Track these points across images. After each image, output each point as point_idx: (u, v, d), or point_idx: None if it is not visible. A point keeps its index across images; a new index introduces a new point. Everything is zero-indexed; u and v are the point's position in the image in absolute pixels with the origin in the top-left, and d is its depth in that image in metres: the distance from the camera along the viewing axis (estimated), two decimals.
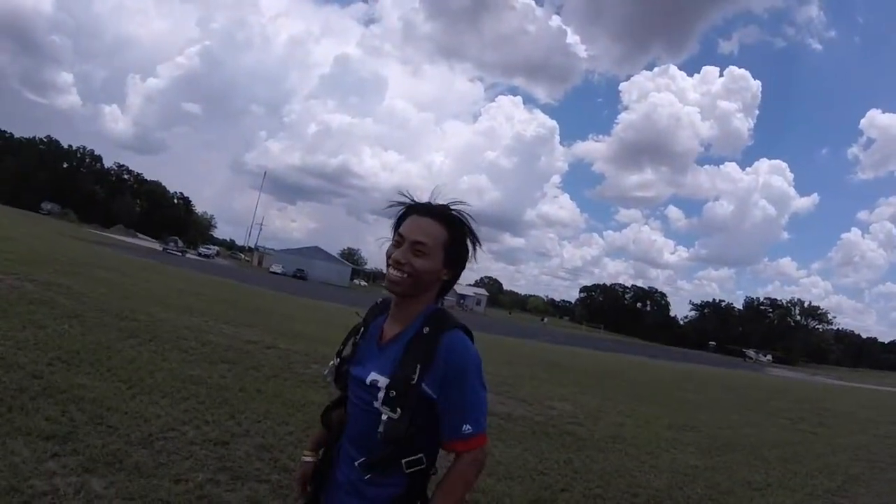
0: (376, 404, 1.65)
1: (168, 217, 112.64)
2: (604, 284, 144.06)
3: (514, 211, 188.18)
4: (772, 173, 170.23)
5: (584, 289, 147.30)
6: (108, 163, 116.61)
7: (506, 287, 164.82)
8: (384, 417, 1.62)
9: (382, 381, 1.67)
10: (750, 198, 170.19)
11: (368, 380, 1.71)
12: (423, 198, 1.82)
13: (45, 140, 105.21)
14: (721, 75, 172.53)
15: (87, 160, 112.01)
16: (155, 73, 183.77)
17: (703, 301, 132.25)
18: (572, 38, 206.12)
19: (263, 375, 7.32)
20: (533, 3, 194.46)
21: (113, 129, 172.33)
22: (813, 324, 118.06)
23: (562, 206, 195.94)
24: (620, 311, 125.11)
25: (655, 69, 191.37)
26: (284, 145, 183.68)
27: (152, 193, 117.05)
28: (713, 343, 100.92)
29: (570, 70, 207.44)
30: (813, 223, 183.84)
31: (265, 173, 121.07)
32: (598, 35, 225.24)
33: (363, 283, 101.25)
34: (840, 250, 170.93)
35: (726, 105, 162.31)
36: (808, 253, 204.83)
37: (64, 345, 6.37)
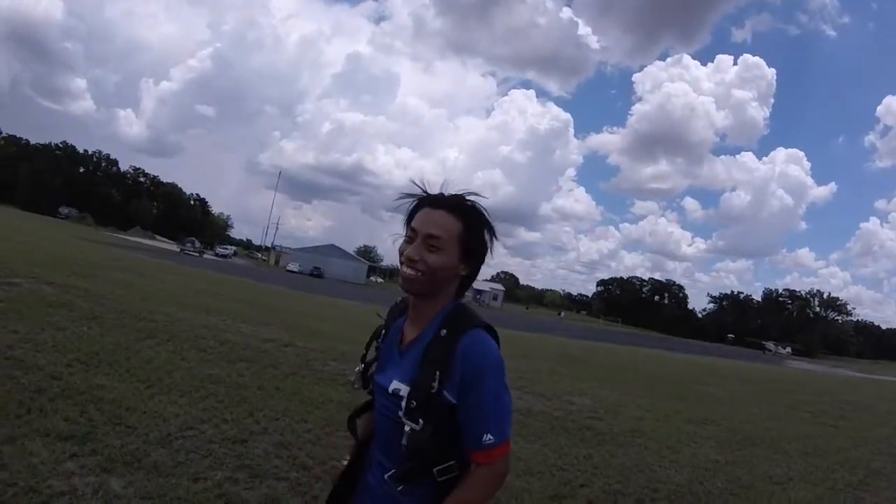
0: (400, 414, 1.57)
1: (185, 218, 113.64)
2: (621, 278, 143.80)
3: (530, 205, 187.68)
4: (788, 162, 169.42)
5: (600, 282, 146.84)
6: (123, 166, 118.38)
7: (522, 282, 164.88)
8: (407, 429, 1.54)
9: (404, 390, 1.59)
10: (767, 188, 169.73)
11: (391, 388, 1.63)
12: (434, 190, 1.72)
13: (60, 146, 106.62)
14: (735, 64, 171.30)
15: (103, 164, 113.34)
16: (168, 76, 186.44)
17: (721, 293, 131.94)
18: (584, 29, 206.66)
19: (281, 373, 7.32)
20: None
21: (128, 133, 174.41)
22: (832, 315, 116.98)
23: (577, 200, 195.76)
24: (638, 305, 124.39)
25: (668, 59, 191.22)
26: (298, 145, 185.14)
27: (169, 195, 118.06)
28: (731, 336, 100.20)
29: (583, 62, 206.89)
30: (831, 213, 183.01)
31: (280, 173, 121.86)
32: (610, 26, 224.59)
33: (380, 280, 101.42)
34: (859, 240, 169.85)
35: (741, 94, 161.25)
36: (826, 243, 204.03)
37: (83, 346, 6.40)
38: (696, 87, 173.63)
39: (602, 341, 33.19)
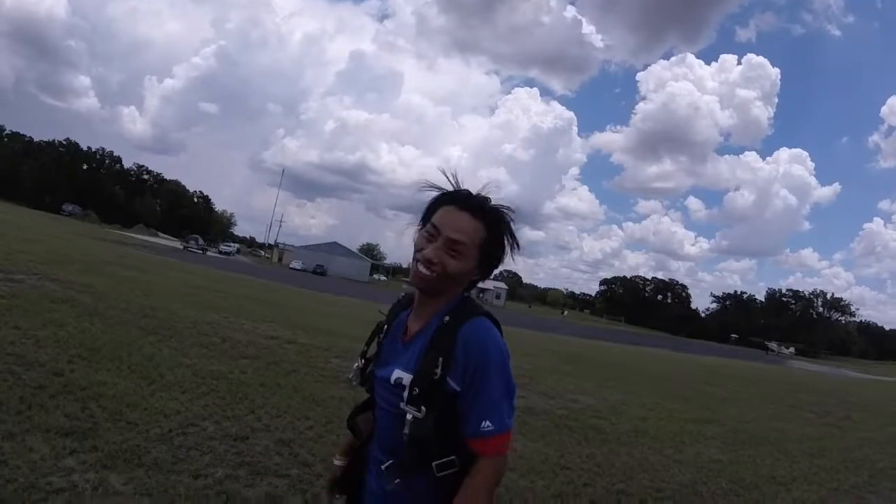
0: (402, 405, 1.54)
1: (188, 216, 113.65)
2: (624, 277, 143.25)
3: (533, 204, 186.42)
4: (792, 162, 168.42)
5: (604, 281, 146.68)
6: (127, 163, 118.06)
7: (525, 280, 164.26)
8: (409, 417, 1.52)
9: (407, 379, 1.57)
10: (771, 188, 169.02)
11: (393, 378, 1.61)
12: (455, 185, 1.68)
13: (64, 143, 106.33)
14: (739, 63, 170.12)
15: (107, 161, 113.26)
16: (171, 73, 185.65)
17: (724, 293, 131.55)
18: (587, 28, 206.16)
19: (283, 370, 7.31)
20: None
21: (131, 131, 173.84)
22: (836, 316, 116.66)
23: (581, 199, 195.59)
24: (641, 304, 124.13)
25: (672, 58, 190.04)
26: (302, 143, 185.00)
27: (172, 193, 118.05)
28: (735, 335, 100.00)
29: (587, 61, 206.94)
30: (834, 213, 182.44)
31: (283, 171, 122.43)
32: (614, 25, 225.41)
33: (382, 277, 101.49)
34: (862, 240, 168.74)
35: (745, 93, 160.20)
36: (829, 243, 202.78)
37: (85, 342, 6.39)
38: (700, 86, 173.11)
39: (605, 340, 33.23)
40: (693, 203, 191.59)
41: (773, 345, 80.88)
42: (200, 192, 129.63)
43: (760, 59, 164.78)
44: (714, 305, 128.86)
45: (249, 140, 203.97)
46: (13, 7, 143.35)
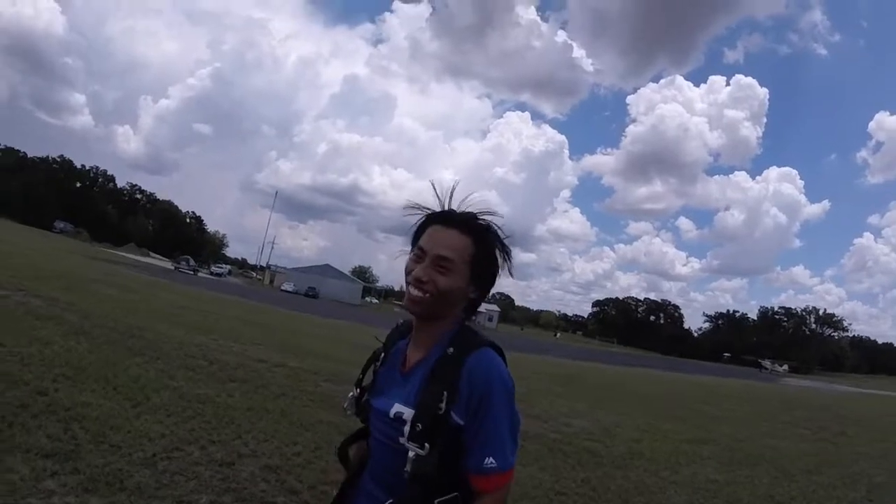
0: (402, 440, 1.46)
1: (181, 236, 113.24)
2: (616, 298, 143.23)
3: (525, 226, 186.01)
4: (781, 181, 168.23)
5: (596, 303, 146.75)
6: (120, 182, 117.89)
7: (517, 303, 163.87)
8: (411, 454, 1.43)
9: (408, 414, 1.48)
10: (760, 206, 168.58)
11: (392, 412, 1.52)
12: (445, 198, 1.61)
13: (58, 160, 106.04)
14: (728, 84, 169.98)
15: (100, 180, 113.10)
16: (166, 94, 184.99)
17: (716, 312, 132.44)
18: (578, 52, 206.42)
19: (272, 394, 7.19)
20: (538, 19, 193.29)
21: (125, 150, 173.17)
22: (828, 331, 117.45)
23: (572, 221, 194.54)
24: (634, 325, 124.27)
25: (662, 81, 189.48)
26: (295, 165, 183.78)
27: (165, 213, 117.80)
28: (727, 354, 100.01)
29: (577, 84, 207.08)
30: (824, 229, 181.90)
31: (276, 193, 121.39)
32: (604, 49, 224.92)
33: (375, 300, 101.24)
34: (853, 256, 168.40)
35: (734, 114, 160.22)
36: (820, 260, 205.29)
37: (70, 361, 6.29)
38: (690, 107, 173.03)
39: (598, 362, 33.15)
40: (684, 223, 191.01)
41: (766, 362, 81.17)
42: (193, 212, 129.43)
43: (749, 79, 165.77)
44: (707, 325, 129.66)
45: (243, 161, 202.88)
46: (10, 22, 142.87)
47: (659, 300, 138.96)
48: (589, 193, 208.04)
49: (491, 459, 1.43)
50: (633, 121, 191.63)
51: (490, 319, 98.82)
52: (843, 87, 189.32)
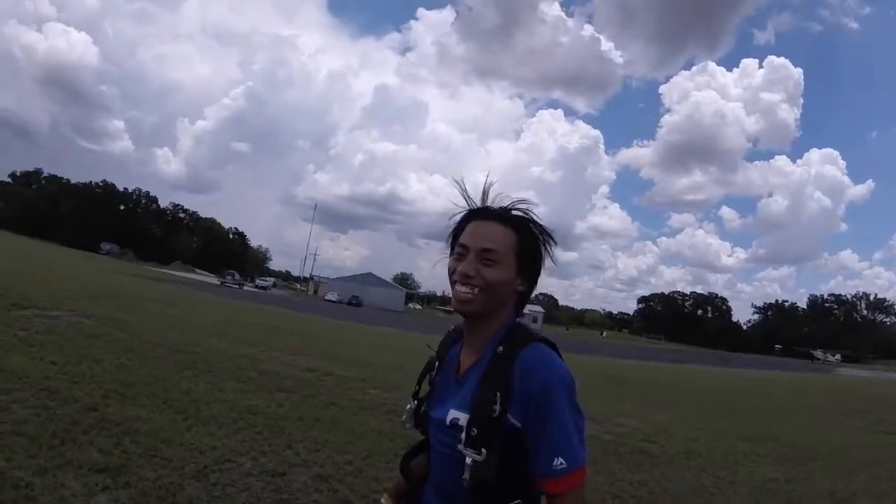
0: (460, 447, 1.38)
1: (224, 252, 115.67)
2: (661, 293, 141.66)
3: (564, 225, 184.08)
4: (823, 163, 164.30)
5: (641, 299, 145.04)
6: (163, 203, 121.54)
7: (561, 303, 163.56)
8: (468, 461, 1.36)
9: (463, 419, 1.41)
10: (804, 191, 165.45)
11: (449, 419, 1.46)
12: (477, 197, 1.59)
13: (101, 184, 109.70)
14: (761, 67, 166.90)
15: (143, 201, 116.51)
16: (203, 115, 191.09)
17: (765, 303, 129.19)
18: (606, 45, 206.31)
19: (321, 403, 7.16)
20: (563, 15, 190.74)
21: (166, 171, 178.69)
22: (880, 317, 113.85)
23: (612, 216, 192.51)
24: (681, 320, 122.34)
25: (693, 68, 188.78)
26: (332, 177, 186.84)
27: (208, 230, 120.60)
28: (779, 346, 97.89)
29: (608, 77, 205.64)
30: (870, 211, 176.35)
31: (315, 205, 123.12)
32: (632, 40, 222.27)
33: (418, 306, 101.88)
34: None
35: (769, 97, 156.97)
36: (868, 243, 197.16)
37: (120, 377, 6.34)
38: (724, 93, 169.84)
39: (646, 359, 32.72)
40: (726, 213, 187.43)
41: (818, 353, 79.17)
42: (235, 228, 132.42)
43: (782, 60, 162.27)
44: (756, 316, 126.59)
45: (281, 176, 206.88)
46: (45, 56, 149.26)
47: (706, 293, 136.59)
48: (627, 188, 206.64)
49: (560, 460, 1.34)
50: (668, 111, 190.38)
51: (535, 320, 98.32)
52: (878, 60, 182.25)
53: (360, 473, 4.73)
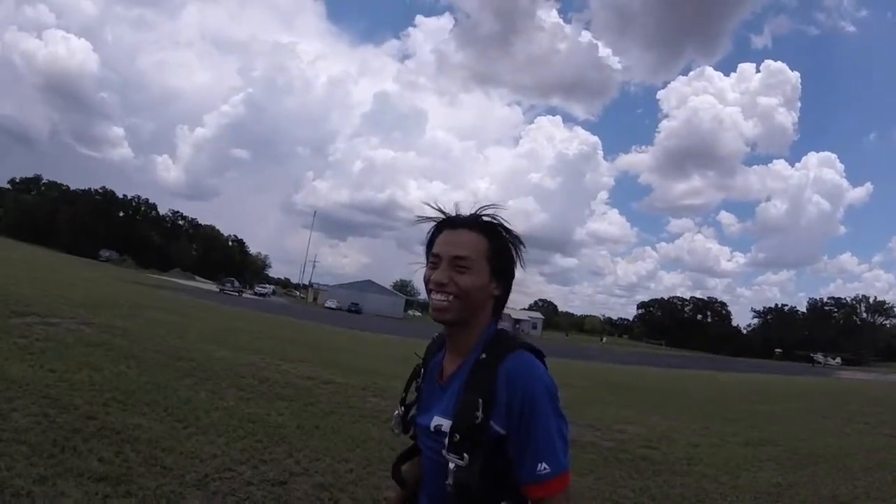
0: (443, 451, 1.40)
1: (224, 259, 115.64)
2: (661, 299, 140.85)
3: (564, 231, 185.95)
4: (822, 166, 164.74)
5: (641, 304, 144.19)
6: (162, 210, 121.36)
7: (561, 309, 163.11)
8: (451, 466, 1.37)
9: (446, 425, 1.43)
10: (802, 194, 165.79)
11: (433, 425, 1.48)
12: (450, 212, 1.61)
13: (100, 191, 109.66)
14: (758, 71, 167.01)
15: (143, 208, 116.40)
16: (202, 122, 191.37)
17: (764, 307, 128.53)
18: (604, 51, 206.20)
19: (321, 411, 7.17)
20: (561, 21, 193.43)
21: (165, 178, 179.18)
22: (880, 320, 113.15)
23: (611, 222, 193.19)
24: (681, 325, 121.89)
25: (691, 73, 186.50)
26: (332, 184, 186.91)
27: (207, 237, 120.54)
28: (779, 350, 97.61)
29: (606, 83, 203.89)
30: (869, 214, 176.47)
31: (315, 213, 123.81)
32: (630, 45, 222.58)
33: (417, 313, 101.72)
34: None
35: (767, 101, 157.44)
36: (867, 245, 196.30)
37: (120, 385, 6.34)
38: (722, 98, 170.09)
39: (647, 365, 32.71)
40: (725, 217, 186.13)
41: (818, 356, 78.79)
42: (235, 235, 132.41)
43: (779, 64, 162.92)
44: (755, 321, 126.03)
45: (281, 183, 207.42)
46: (45, 63, 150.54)
47: (705, 298, 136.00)
48: (626, 193, 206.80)
49: (544, 465, 1.36)
50: (666, 116, 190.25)
51: (534, 327, 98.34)
52: (875, 62, 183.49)
53: (360, 482, 4.72)
